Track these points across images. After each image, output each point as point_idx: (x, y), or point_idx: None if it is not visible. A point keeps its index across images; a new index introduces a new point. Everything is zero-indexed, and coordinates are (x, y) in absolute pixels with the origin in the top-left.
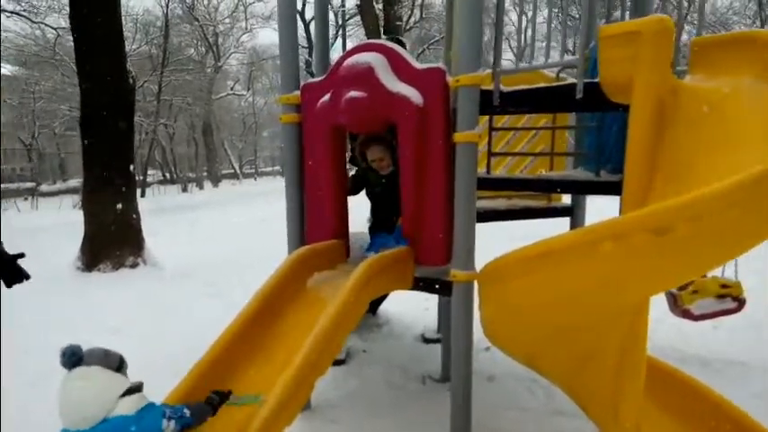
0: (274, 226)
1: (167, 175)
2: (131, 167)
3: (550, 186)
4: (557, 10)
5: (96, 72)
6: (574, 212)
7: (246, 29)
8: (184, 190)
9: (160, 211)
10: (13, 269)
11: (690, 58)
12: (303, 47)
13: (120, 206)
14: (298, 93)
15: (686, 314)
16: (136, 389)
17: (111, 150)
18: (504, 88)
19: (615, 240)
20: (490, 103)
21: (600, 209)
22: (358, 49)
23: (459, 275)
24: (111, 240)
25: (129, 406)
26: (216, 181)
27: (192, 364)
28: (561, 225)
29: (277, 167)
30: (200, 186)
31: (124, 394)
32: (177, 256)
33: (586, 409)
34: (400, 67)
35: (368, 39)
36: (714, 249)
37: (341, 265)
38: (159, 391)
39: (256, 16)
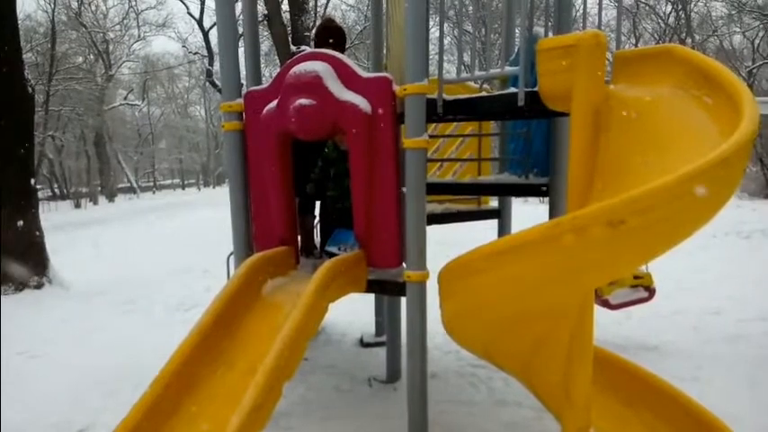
0: (183, 241)
1: (57, 190)
2: (32, 181)
3: (486, 190)
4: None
5: None
6: (501, 215)
7: (139, 36)
8: (77, 206)
9: (54, 228)
10: None
11: (613, 69)
12: (203, 56)
13: (21, 223)
14: (240, 101)
15: (605, 304)
16: None
17: (10, 164)
18: (446, 96)
19: (576, 233)
20: (434, 111)
21: (523, 212)
22: (303, 58)
23: (414, 276)
24: (13, 260)
25: None
26: (111, 196)
27: (145, 379)
28: (488, 229)
29: (177, 180)
30: (95, 202)
31: None
32: (84, 275)
33: (539, 394)
34: (346, 76)
35: (276, 49)
36: (660, 238)
37: (292, 271)
38: (102, 405)
39: (149, 23)
